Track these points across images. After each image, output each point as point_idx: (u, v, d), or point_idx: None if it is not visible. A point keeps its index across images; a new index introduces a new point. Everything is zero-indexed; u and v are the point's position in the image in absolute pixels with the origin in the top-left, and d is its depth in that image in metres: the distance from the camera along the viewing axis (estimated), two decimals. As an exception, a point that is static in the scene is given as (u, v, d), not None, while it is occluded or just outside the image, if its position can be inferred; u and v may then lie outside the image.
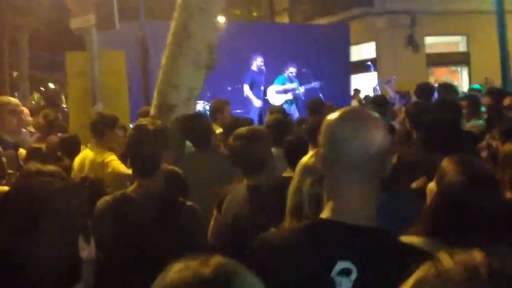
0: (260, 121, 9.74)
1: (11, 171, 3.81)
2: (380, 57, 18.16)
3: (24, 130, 5.53)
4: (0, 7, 15.20)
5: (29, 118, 6.13)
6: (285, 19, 21.79)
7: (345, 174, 1.51)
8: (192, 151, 4.53)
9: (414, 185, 3.27)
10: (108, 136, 4.78)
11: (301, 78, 10.96)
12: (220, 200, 3.20)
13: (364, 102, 13.32)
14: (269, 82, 10.79)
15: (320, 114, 5.21)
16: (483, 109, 6.91)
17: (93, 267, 2.12)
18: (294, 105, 10.62)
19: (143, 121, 2.91)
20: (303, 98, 10.57)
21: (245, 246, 1.83)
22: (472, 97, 6.69)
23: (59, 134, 6.23)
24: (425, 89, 7.36)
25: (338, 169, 1.52)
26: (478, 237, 1.81)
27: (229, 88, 10.75)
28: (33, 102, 19.22)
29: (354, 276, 1.42)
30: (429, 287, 0.89)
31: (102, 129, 4.72)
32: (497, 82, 12.70)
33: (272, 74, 10.84)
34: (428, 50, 18.58)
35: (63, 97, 19.46)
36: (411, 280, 0.93)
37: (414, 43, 17.93)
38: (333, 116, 1.56)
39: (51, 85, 24.28)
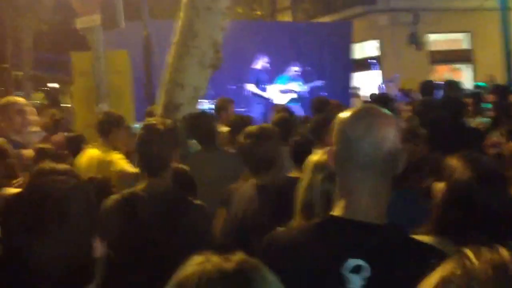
0: (264, 120, 9.75)
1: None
2: (383, 55, 18.14)
3: (29, 129, 5.55)
4: (3, 7, 15.24)
5: (35, 117, 6.14)
6: (287, 18, 21.79)
7: (357, 172, 1.52)
8: (198, 149, 4.54)
9: (422, 184, 3.27)
10: (114, 135, 4.80)
11: (304, 76, 10.96)
12: (225, 198, 3.21)
13: (365, 100, 13.30)
14: (271, 81, 10.80)
15: (325, 113, 5.22)
16: (487, 106, 6.92)
17: (100, 265, 2.13)
18: (299, 104, 10.64)
19: (153, 120, 2.92)
20: (307, 96, 10.59)
21: (252, 245, 1.83)
22: (477, 95, 6.70)
23: (65, 133, 6.25)
24: (428, 87, 7.37)
25: (350, 167, 1.53)
26: (487, 235, 1.82)
27: (232, 87, 10.76)
28: (37, 102, 19.23)
29: (365, 273, 1.43)
30: (456, 286, 0.87)
31: (109, 128, 4.74)
32: (500, 80, 12.69)
33: (274, 73, 10.85)
34: (431, 48, 18.56)
35: (63, 96, 19.45)
36: (434, 278, 0.91)
37: (417, 41, 17.88)
38: (345, 114, 1.57)
39: (51, 85, 24.27)
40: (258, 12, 21.81)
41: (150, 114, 5.42)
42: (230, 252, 1.05)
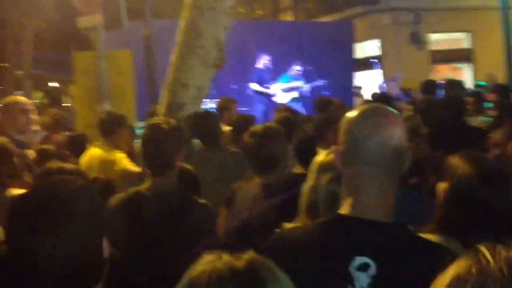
0: (265, 119, 9.75)
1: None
2: (384, 54, 18.13)
3: (31, 128, 5.55)
4: (4, 6, 15.23)
5: (36, 117, 6.15)
6: (289, 17, 21.79)
7: (364, 170, 1.53)
8: (201, 148, 4.55)
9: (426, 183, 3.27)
10: (116, 134, 4.80)
11: (306, 75, 10.97)
12: (228, 198, 3.21)
13: (366, 99, 13.29)
14: (273, 80, 10.81)
15: (327, 112, 5.22)
16: (489, 105, 6.91)
17: (106, 265, 2.13)
18: (300, 103, 10.64)
19: (157, 119, 2.92)
20: (309, 95, 10.60)
21: (256, 245, 1.83)
22: (477, 94, 6.70)
23: (66, 133, 6.24)
24: (430, 86, 7.38)
25: (357, 166, 1.54)
26: (490, 234, 1.82)
27: (234, 86, 10.77)
28: (37, 101, 19.22)
29: (372, 271, 1.44)
30: (470, 285, 0.85)
31: (112, 128, 4.74)
32: (501, 79, 12.68)
33: (276, 72, 10.86)
34: (432, 47, 18.56)
35: (64, 96, 19.44)
36: (448, 276, 0.90)
37: (418, 40, 17.89)
38: (352, 114, 1.58)
39: (52, 84, 24.25)
40: (260, 12, 21.81)
41: (152, 114, 5.43)
42: (235, 251, 1.06)
